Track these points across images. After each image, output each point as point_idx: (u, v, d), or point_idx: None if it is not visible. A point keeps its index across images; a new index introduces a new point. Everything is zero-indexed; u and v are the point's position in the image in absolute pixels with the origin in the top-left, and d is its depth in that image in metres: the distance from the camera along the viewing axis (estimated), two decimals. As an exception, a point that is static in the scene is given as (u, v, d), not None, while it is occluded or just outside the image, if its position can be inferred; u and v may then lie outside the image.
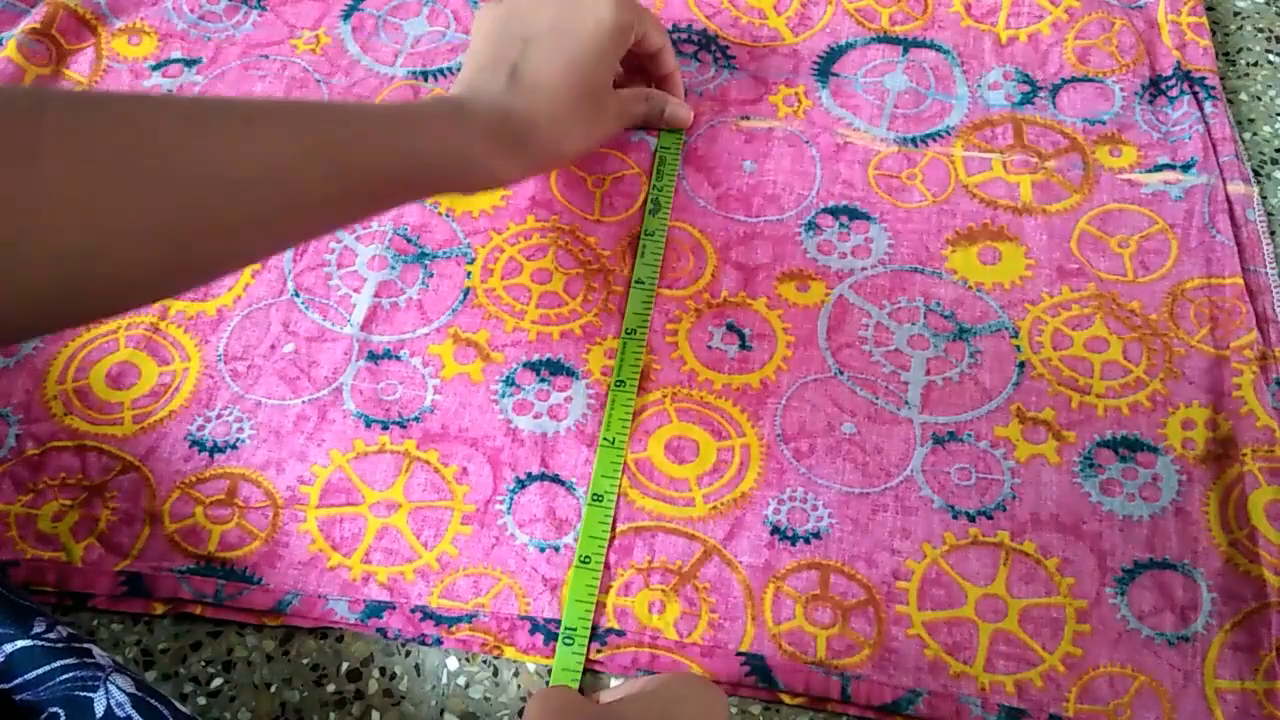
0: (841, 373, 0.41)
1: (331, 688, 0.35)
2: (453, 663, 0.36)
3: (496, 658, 0.36)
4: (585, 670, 0.35)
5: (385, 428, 0.40)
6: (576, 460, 0.39)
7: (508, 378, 0.41)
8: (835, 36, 0.50)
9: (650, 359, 0.41)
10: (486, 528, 0.38)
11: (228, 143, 0.28)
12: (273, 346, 0.41)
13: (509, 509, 0.38)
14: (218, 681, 0.35)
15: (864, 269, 0.43)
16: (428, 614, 0.36)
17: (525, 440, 0.39)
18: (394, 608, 0.36)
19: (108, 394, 0.40)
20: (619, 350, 0.41)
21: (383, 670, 0.36)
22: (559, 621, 0.36)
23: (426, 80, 0.49)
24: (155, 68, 0.49)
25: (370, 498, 0.38)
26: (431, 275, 0.43)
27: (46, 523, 0.38)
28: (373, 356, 0.41)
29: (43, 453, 0.39)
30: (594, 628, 0.36)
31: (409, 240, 0.44)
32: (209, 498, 0.38)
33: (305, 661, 0.36)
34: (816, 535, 0.37)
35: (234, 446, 0.39)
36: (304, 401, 0.40)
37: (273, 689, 0.35)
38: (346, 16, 0.51)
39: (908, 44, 0.50)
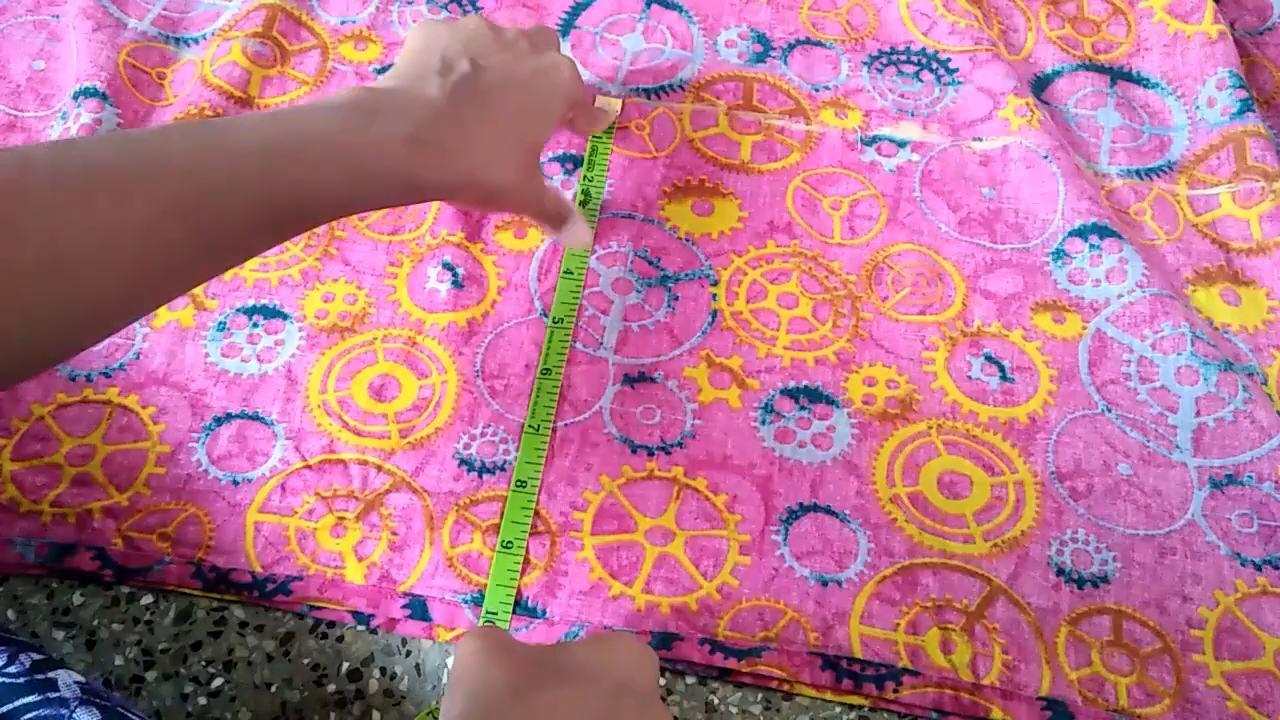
0: (1109, 410, 0.40)
1: (332, 688, 0.35)
2: (453, 663, 0.36)
3: (788, 698, 0.35)
4: (879, 709, 0.35)
5: (650, 453, 0.39)
6: (847, 492, 0.38)
7: (766, 404, 0.40)
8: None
9: (911, 389, 0.41)
10: (765, 558, 0.37)
11: (88, 211, 0.26)
12: (527, 366, 0.41)
13: (785, 540, 0.38)
14: (218, 681, 0.35)
15: (1120, 296, 0.42)
16: (717, 646, 0.35)
17: (793, 470, 0.39)
18: (682, 639, 0.36)
19: (371, 405, 0.40)
20: (546, 338, 0.41)
21: (383, 670, 0.36)
22: (851, 658, 0.35)
23: (648, 98, 0.48)
24: (380, 71, 0.49)
25: (643, 525, 0.38)
26: (676, 298, 0.43)
27: (326, 537, 0.37)
28: (629, 380, 0.41)
29: (315, 464, 0.39)
30: (888, 667, 0.35)
31: (650, 263, 0.44)
32: (484, 522, 0.38)
33: (306, 661, 0.36)
34: (1104, 579, 0.37)
35: (501, 469, 0.39)
36: (564, 425, 0.40)
37: (273, 689, 0.35)
38: (564, 33, 0.50)
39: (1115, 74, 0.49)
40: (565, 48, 0.49)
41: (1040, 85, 0.49)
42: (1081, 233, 0.43)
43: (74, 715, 0.29)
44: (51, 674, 0.30)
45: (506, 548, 0.37)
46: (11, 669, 0.30)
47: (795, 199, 0.45)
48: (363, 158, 0.32)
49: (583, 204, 0.44)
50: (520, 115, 0.37)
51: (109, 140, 0.35)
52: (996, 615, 0.36)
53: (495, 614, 0.36)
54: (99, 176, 0.27)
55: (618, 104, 0.47)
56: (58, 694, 0.29)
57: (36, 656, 0.31)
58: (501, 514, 0.38)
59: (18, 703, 0.29)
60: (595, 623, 0.36)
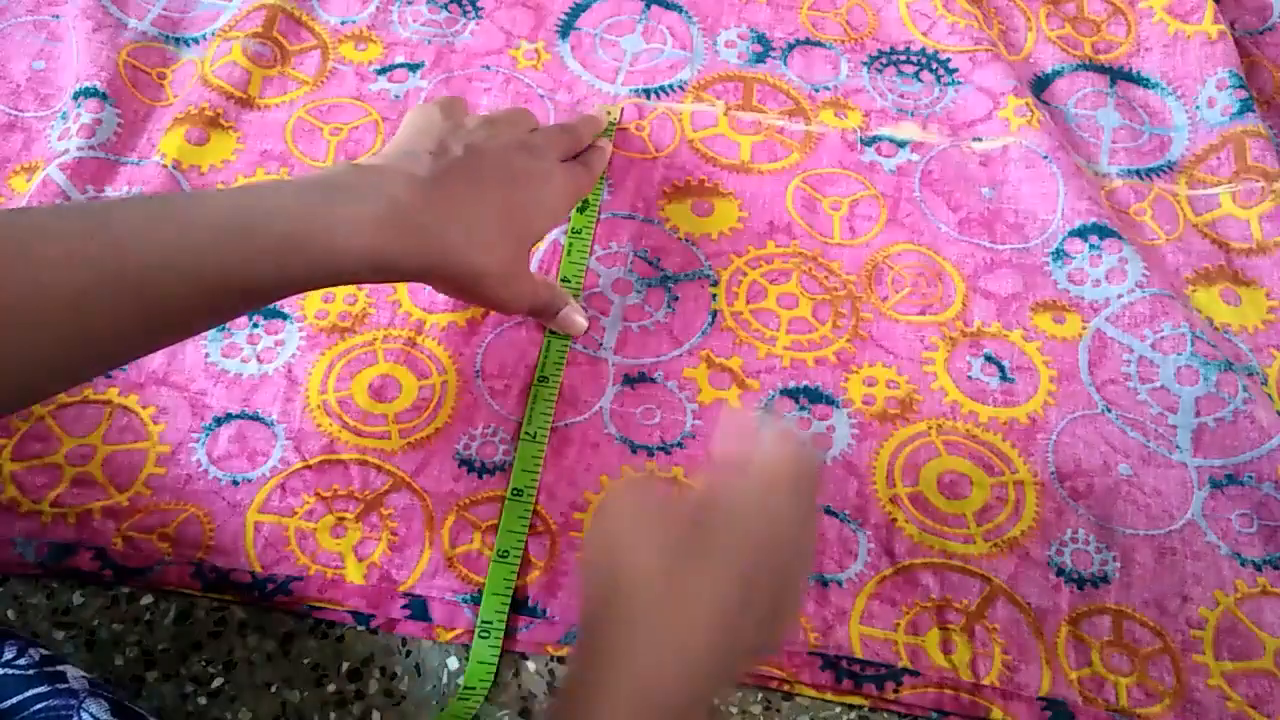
0: (1109, 410, 0.40)
1: (332, 688, 0.35)
2: (453, 663, 0.36)
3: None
4: (879, 709, 0.35)
5: (650, 454, 0.39)
6: (848, 492, 0.38)
7: (766, 405, 0.40)
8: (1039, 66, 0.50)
9: (911, 389, 0.41)
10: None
11: (20, 272, 0.26)
12: (527, 367, 0.41)
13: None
14: (218, 681, 0.35)
15: (1120, 296, 0.42)
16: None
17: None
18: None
19: (371, 406, 0.40)
20: (544, 346, 0.41)
21: (383, 670, 0.36)
22: (851, 658, 0.35)
23: (649, 98, 0.48)
24: (381, 71, 0.49)
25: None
26: (676, 299, 0.43)
27: (326, 537, 0.37)
28: (629, 380, 0.41)
29: (315, 465, 0.39)
30: (888, 667, 0.35)
31: (650, 263, 0.44)
32: (484, 522, 0.38)
33: (305, 661, 0.36)
34: (1104, 579, 0.37)
35: (501, 469, 0.39)
36: (564, 425, 0.40)
37: (273, 689, 0.35)
38: (564, 34, 0.50)
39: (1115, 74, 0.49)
40: (565, 49, 0.49)
41: (1040, 85, 0.50)
42: (1081, 233, 0.43)
43: (84, 704, 0.29)
44: (60, 667, 0.31)
45: (502, 557, 0.37)
46: (21, 661, 0.30)
47: (795, 199, 0.45)
48: (326, 237, 0.31)
49: (580, 210, 0.44)
50: (509, 208, 0.36)
51: (63, 207, 0.34)
52: (996, 615, 0.36)
53: (490, 623, 0.35)
54: (39, 241, 0.26)
55: (615, 110, 0.47)
56: (67, 685, 0.30)
57: (45, 652, 0.31)
58: (498, 521, 0.38)
59: (29, 693, 0.29)
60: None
